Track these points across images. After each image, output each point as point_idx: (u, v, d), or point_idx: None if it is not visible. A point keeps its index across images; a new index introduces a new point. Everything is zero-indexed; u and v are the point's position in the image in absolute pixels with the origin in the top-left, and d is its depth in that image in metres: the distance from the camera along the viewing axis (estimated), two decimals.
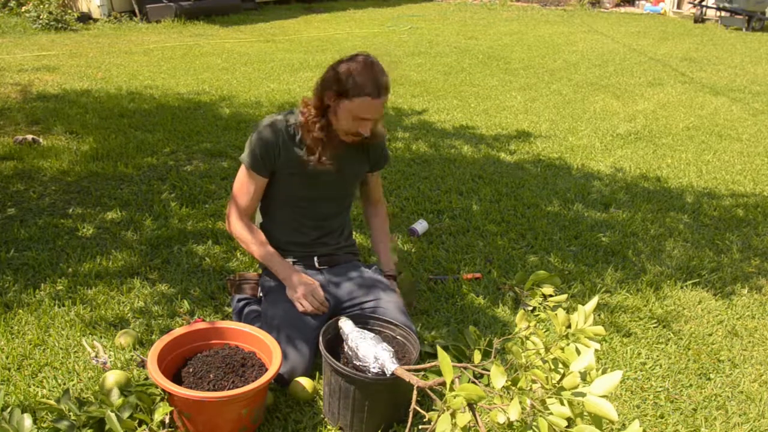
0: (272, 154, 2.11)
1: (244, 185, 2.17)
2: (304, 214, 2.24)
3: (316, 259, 2.28)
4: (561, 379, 1.50)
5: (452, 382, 1.55)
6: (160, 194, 3.40)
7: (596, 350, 2.29)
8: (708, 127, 5.21)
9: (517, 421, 1.48)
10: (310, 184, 2.18)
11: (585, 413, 1.47)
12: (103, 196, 3.34)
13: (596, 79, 6.83)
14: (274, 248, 2.23)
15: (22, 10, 8.84)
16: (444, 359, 1.54)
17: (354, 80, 1.94)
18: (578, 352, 1.54)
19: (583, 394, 1.45)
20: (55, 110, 4.76)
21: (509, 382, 1.52)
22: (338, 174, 2.19)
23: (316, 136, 2.06)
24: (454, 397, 1.49)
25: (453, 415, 1.49)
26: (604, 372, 1.50)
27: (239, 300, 2.34)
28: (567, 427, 1.45)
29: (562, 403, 1.47)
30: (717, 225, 3.41)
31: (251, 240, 2.18)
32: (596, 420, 1.45)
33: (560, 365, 1.57)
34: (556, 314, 1.66)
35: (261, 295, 2.28)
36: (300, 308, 2.07)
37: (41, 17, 8.36)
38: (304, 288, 2.10)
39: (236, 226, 2.19)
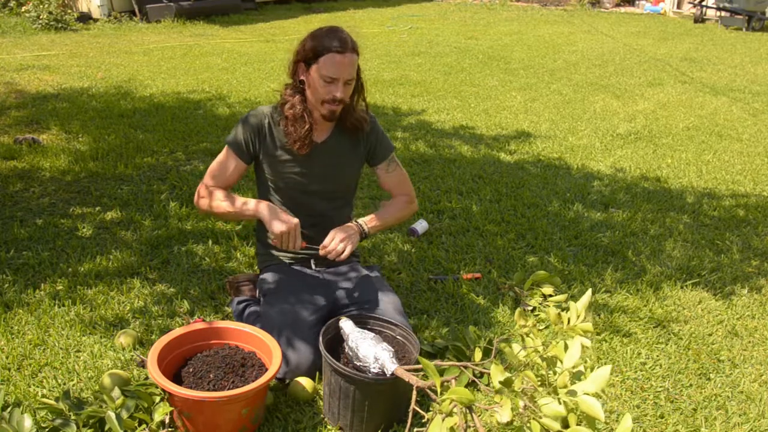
0: (256, 137, 2.13)
1: (221, 162, 2.17)
2: (298, 210, 2.21)
3: (312, 262, 2.27)
4: (557, 378, 1.50)
5: (442, 385, 1.55)
6: (160, 194, 3.39)
7: (597, 350, 2.29)
8: (708, 127, 5.21)
9: (514, 421, 1.48)
10: (300, 174, 2.17)
11: (578, 411, 1.47)
12: (102, 196, 3.34)
13: (596, 79, 6.83)
14: (272, 249, 2.24)
15: (22, 10, 8.84)
16: (427, 365, 1.55)
17: (318, 42, 1.98)
18: (566, 347, 1.54)
19: (576, 393, 1.44)
20: (55, 110, 4.77)
21: (500, 385, 1.51)
22: (323, 168, 2.18)
23: (289, 113, 2.08)
24: (443, 401, 1.49)
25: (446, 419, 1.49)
26: (592, 369, 1.49)
27: (239, 302, 2.34)
28: (563, 427, 1.45)
29: (559, 402, 1.47)
30: (717, 225, 3.41)
31: (215, 203, 2.12)
32: (590, 420, 1.45)
33: (558, 363, 1.57)
34: (548, 311, 1.66)
35: (259, 296, 2.28)
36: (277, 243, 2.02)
37: (41, 17, 8.36)
38: (285, 226, 2.00)
39: (200, 202, 2.16)
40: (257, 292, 2.31)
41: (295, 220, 2.02)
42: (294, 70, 2.08)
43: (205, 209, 2.17)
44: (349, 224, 2.15)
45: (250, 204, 2.09)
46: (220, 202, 2.12)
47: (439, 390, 1.55)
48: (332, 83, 2.00)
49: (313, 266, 2.27)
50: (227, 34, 8.82)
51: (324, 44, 1.97)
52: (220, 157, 2.18)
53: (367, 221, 2.18)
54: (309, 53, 2.00)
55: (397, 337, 2.01)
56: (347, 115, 2.13)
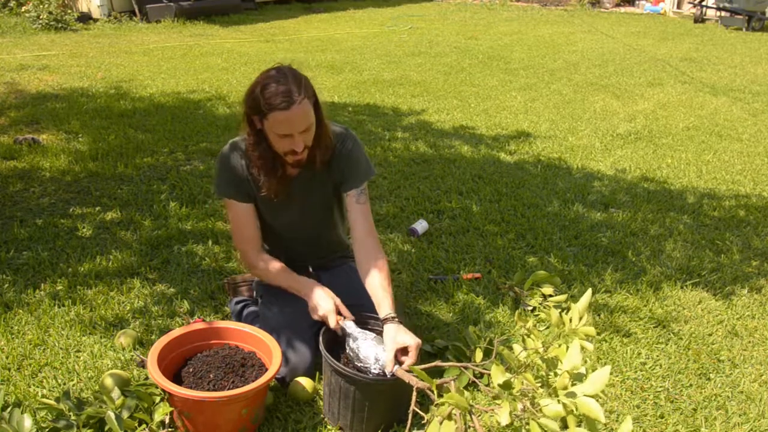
0: (240, 178, 2.04)
1: (233, 218, 2.10)
2: (287, 237, 2.20)
3: (309, 266, 2.27)
4: (557, 379, 1.50)
5: (441, 387, 1.55)
6: (160, 194, 3.39)
7: (597, 350, 2.29)
8: (708, 127, 5.21)
9: (513, 422, 1.48)
10: (277, 208, 2.12)
11: (578, 413, 1.47)
12: (102, 196, 3.34)
13: (596, 79, 6.83)
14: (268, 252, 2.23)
15: (22, 10, 8.84)
16: (418, 372, 1.55)
17: (263, 97, 1.82)
18: (567, 348, 1.54)
19: (575, 394, 1.44)
20: (55, 110, 4.76)
21: (498, 387, 1.51)
22: (300, 201, 2.10)
23: (258, 163, 1.98)
24: (440, 405, 1.49)
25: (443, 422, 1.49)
26: (592, 369, 1.49)
27: (237, 302, 2.34)
28: (563, 428, 1.45)
29: (558, 402, 1.47)
30: (717, 225, 3.41)
31: (267, 273, 2.10)
32: (590, 421, 1.45)
33: (559, 364, 1.57)
34: (550, 313, 1.66)
35: (257, 296, 2.27)
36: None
37: (41, 17, 8.36)
38: (323, 310, 1.95)
39: (254, 266, 2.11)
40: (255, 292, 2.31)
41: (328, 308, 1.95)
42: (249, 122, 1.92)
43: (260, 276, 2.16)
44: (396, 326, 1.86)
45: (299, 288, 2.03)
46: (275, 278, 2.09)
47: (435, 393, 1.55)
48: (287, 137, 1.87)
49: (310, 270, 2.26)
50: (227, 34, 8.82)
51: (267, 103, 1.81)
52: (229, 214, 2.10)
53: (392, 311, 1.92)
54: (257, 110, 1.85)
55: None
56: (315, 152, 2.00)
